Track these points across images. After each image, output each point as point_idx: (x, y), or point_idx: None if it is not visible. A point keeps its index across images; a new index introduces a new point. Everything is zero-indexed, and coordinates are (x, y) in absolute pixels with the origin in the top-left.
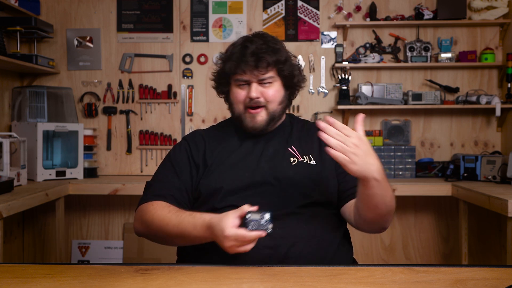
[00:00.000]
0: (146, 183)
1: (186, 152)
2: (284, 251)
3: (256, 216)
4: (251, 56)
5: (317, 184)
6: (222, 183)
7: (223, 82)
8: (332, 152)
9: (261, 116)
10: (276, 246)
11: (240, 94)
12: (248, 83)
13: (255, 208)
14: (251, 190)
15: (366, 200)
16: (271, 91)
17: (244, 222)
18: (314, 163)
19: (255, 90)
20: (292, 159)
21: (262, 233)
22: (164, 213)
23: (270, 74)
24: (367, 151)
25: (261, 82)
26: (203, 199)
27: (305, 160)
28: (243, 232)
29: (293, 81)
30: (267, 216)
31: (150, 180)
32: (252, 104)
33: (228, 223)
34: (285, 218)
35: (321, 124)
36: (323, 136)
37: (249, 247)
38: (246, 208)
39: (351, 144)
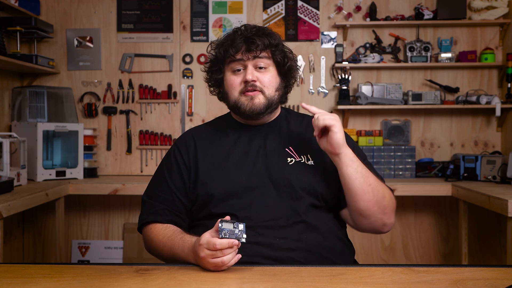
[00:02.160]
0: (142, 198)
1: (176, 161)
2: (288, 262)
3: (229, 226)
4: (241, 38)
5: (314, 187)
6: (216, 190)
7: (216, 70)
8: (321, 118)
9: (259, 98)
10: (280, 257)
11: (235, 80)
12: (244, 68)
13: (228, 218)
14: (248, 194)
15: (348, 183)
16: (267, 77)
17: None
18: (312, 163)
19: (251, 73)
20: (289, 159)
21: (234, 241)
22: (159, 238)
23: (265, 54)
24: (341, 126)
25: (256, 67)
26: (200, 204)
27: (303, 160)
28: (214, 238)
29: (286, 67)
30: (241, 226)
31: (145, 193)
32: (248, 88)
33: (205, 235)
34: (285, 228)
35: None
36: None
37: (225, 259)
38: (219, 219)
39: (329, 116)
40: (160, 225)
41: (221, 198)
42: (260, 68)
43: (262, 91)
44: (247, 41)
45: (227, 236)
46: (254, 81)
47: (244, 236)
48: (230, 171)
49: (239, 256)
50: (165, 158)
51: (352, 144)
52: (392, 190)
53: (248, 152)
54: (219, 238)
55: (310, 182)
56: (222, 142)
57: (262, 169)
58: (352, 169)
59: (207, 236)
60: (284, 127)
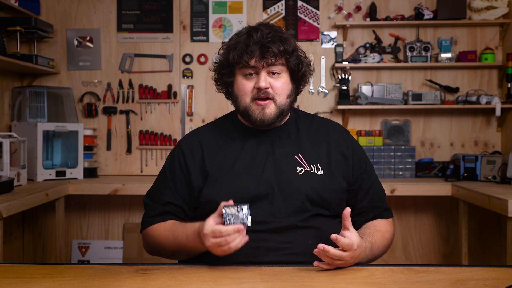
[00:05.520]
0: (144, 201)
1: (180, 165)
2: None
3: (233, 210)
4: (256, 45)
5: (323, 197)
6: (222, 199)
7: (226, 73)
8: (321, 265)
9: (270, 108)
10: (284, 262)
11: (246, 85)
12: (257, 73)
13: (231, 202)
14: (255, 203)
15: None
16: (280, 83)
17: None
18: (322, 173)
19: (264, 80)
20: (299, 168)
21: (240, 226)
22: (161, 232)
23: (280, 61)
24: (359, 254)
25: (269, 72)
26: (204, 211)
27: (313, 170)
28: (218, 226)
29: (300, 73)
30: (245, 209)
31: (147, 196)
32: (260, 95)
33: (208, 222)
34: (290, 232)
35: (320, 247)
36: (316, 263)
37: (232, 245)
38: (222, 204)
39: (345, 260)
40: (160, 223)
41: None
42: (273, 73)
43: (273, 99)
44: (262, 47)
45: (232, 222)
46: (267, 88)
47: (249, 218)
48: (237, 179)
49: (247, 238)
50: (168, 161)
51: (364, 161)
52: (392, 214)
53: (255, 158)
54: (223, 225)
55: (320, 193)
56: (228, 147)
57: (271, 177)
58: (364, 261)
59: (211, 224)
60: (293, 132)
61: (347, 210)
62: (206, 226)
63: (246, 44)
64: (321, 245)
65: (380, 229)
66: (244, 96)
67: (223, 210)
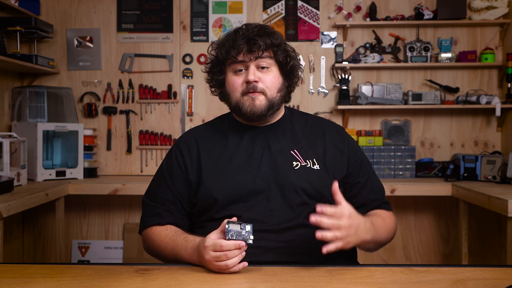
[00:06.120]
0: (142, 200)
1: (178, 162)
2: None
3: (236, 227)
4: (243, 39)
5: (320, 192)
6: (220, 194)
7: (217, 71)
8: (329, 248)
9: (260, 100)
10: (283, 262)
11: (236, 81)
12: (246, 68)
13: (235, 219)
14: (252, 198)
15: (363, 249)
16: (269, 77)
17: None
18: (318, 167)
19: (253, 73)
20: (294, 163)
21: (241, 243)
22: (161, 239)
23: (267, 54)
24: (357, 224)
25: (258, 67)
26: (201, 208)
27: (308, 165)
28: (220, 240)
29: (289, 67)
30: (248, 227)
31: (146, 195)
32: (250, 90)
33: (210, 236)
34: (289, 232)
35: (313, 219)
36: (319, 234)
37: (230, 262)
38: (226, 220)
39: (344, 228)
40: (161, 226)
41: (224, 203)
42: (262, 68)
43: (263, 93)
44: (248, 41)
45: (234, 238)
46: (256, 81)
47: (251, 237)
48: (234, 175)
49: (245, 263)
50: (165, 159)
51: (360, 155)
52: (392, 210)
53: (252, 154)
54: (225, 239)
55: (317, 187)
56: (224, 144)
57: (268, 172)
58: (370, 245)
59: (213, 238)
60: (288, 128)
61: (335, 185)
62: (208, 239)
63: (233, 40)
64: (318, 207)
65: (380, 214)
66: (234, 91)
67: (226, 226)
